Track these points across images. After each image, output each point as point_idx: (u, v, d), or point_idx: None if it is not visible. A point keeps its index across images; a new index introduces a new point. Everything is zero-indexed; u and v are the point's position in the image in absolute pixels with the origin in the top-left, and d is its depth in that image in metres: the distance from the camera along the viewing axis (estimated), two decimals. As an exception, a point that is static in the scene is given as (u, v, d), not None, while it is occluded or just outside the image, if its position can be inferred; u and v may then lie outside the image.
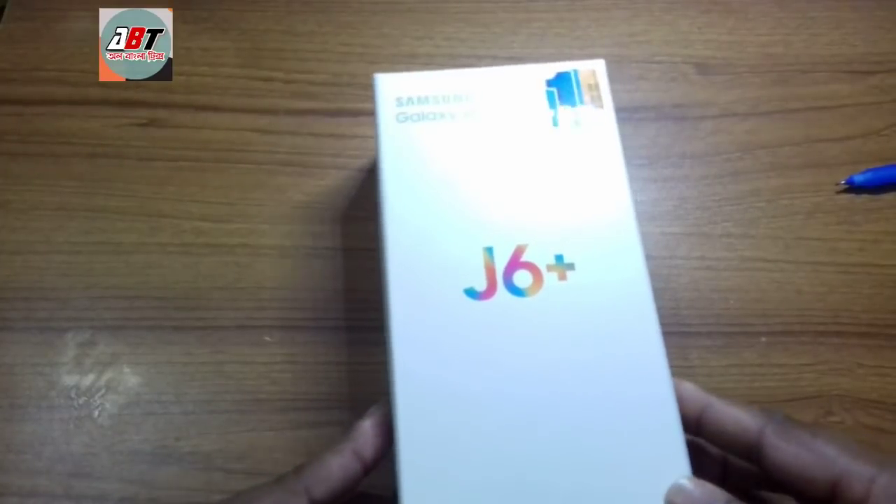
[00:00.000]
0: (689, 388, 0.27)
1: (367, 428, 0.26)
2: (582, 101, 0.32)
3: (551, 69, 0.32)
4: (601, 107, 0.32)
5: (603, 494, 0.25)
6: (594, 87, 0.32)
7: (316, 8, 0.46)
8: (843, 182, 0.40)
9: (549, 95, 0.32)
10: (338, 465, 0.26)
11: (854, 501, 0.23)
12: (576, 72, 0.32)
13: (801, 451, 0.24)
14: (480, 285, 0.28)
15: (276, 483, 0.26)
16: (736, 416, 0.26)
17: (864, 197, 0.40)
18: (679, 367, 0.36)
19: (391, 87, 0.32)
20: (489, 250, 0.28)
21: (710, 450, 0.28)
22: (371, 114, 0.42)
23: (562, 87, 0.32)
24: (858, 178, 0.40)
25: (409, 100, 0.32)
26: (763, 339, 0.37)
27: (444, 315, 0.27)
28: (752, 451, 0.25)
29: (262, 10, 0.46)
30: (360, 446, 0.26)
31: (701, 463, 0.26)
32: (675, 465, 0.25)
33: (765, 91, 0.43)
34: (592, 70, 0.32)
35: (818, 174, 0.41)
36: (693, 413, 0.26)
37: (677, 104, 0.43)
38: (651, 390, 0.26)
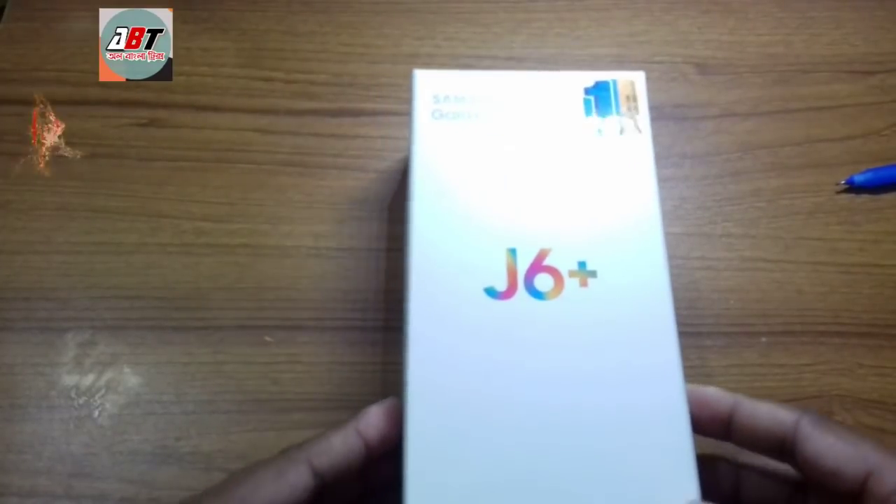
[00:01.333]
0: (714, 390, 0.27)
1: (373, 411, 0.27)
2: (619, 111, 0.32)
3: (591, 77, 0.33)
4: (637, 118, 0.32)
5: (609, 500, 0.24)
6: (632, 99, 0.32)
7: (316, 8, 0.46)
8: (843, 182, 0.40)
9: (587, 103, 0.32)
10: (340, 441, 0.26)
11: (885, 494, 0.23)
12: (614, 81, 0.32)
13: (837, 442, 0.24)
14: (501, 285, 0.28)
15: (280, 453, 0.26)
16: (770, 410, 0.26)
17: (865, 197, 0.40)
18: (680, 368, 0.36)
19: (429, 84, 0.32)
20: (512, 252, 0.28)
21: (721, 467, 0.28)
22: (373, 114, 0.42)
23: (599, 96, 0.32)
24: (859, 178, 0.40)
25: (446, 98, 0.32)
26: (763, 339, 0.37)
27: (462, 311, 0.27)
28: (785, 445, 0.25)
29: (262, 11, 0.46)
30: (363, 426, 0.26)
31: (713, 479, 0.26)
32: (684, 482, 0.25)
33: (765, 91, 0.43)
34: (631, 81, 0.33)
35: (818, 174, 0.41)
36: (723, 413, 0.26)
37: (677, 104, 0.43)
38: (664, 407, 0.26)
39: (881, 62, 0.44)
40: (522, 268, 0.28)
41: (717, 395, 0.27)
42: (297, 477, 0.25)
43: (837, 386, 0.36)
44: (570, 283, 0.28)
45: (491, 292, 0.28)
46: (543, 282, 0.28)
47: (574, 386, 0.26)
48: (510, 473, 0.25)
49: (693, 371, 0.36)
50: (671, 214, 0.40)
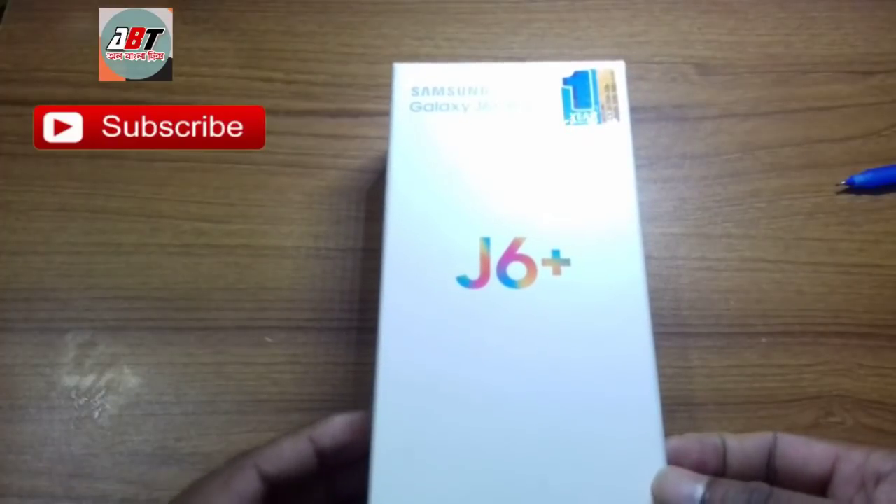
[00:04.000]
0: (697, 435, 0.27)
1: (333, 419, 0.27)
2: (597, 101, 0.32)
3: (570, 67, 0.32)
4: (616, 108, 0.31)
5: (579, 491, 0.25)
6: (611, 88, 0.32)
7: (316, 8, 0.46)
8: (843, 182, 0.40)
9: (565, 94, 0.32)
10: (290, 446, 0.26)
11: (852, 469, 0.25)
12: (594, 71, 0.32)
13: (808, 439, 0.26)
14: (473, 274, 0.28)
15: (228, 462, 0.26)
16: (754, 436, 0.27)
17: (865, 197, 0.40)
18: (679, 368, 0.36)
19: (408, 77, 0.32)
20: (486, 240, 0.29)
21: (709, 443, 0.28)
22: (372, 114, 0.42)
23: (578, 86, 0.32)
24: (859, 179, 0.40)
25: (425, 90, 0.32)
26: (763, 339, 0.37)
27: (433, 299, 0.27)
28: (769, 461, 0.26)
29: (262, 11, 0.45)
30: (318, 434, 0.26)
31: (702, 454, 0.26)
32: (653, 465, 0.25)
33: (765, 91, 0.43)
34: (611, 71, 0.32)
35: (818, 174, 0.41)
36: (718, 451, 0.27)
37: (677, 104, 0.43)
38: (635, 392, 0.26)
39: (881, 62, 0.44)
40: (495, 256, 0.28)
41: (703, 438, 0.27)
42: (245, 484, 0.25)
43: (837, 386, 0.36)
44: (543, 272, 0.28)
45: (463, 281, 0.28)
46: (516, 270, 0.28)
47: (545, 374, 0.26)
48: (479, 461, 0.25)
49: (693, 371, 0.36)
50: (671, 215, 0.40)
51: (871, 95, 0.43)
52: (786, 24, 0.45)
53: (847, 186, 0.40)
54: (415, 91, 0.32)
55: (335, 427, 0.26)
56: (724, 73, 0.44)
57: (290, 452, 0.26)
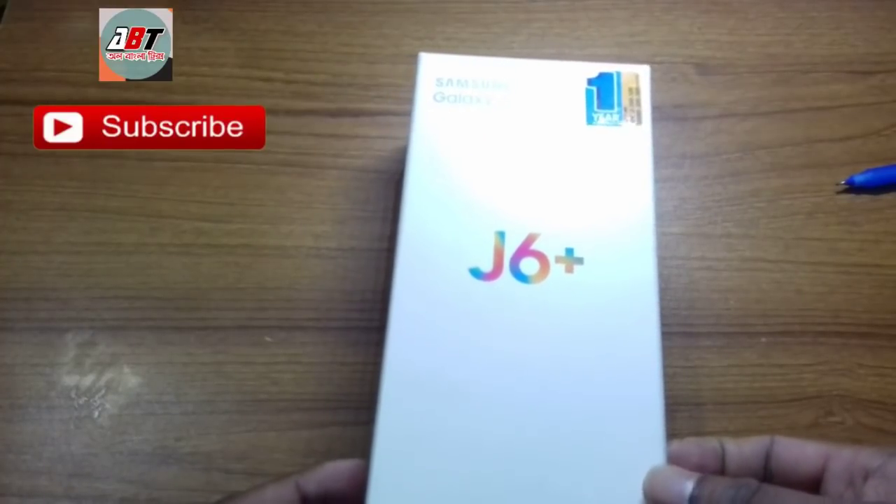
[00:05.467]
0: (697, 439, 0.27)
1: (324, 465, 0.26)
2: (620, 104, 0.32)
3: (595, 68, 0.33)
4: (638, 111, 0.32)
5: (579, 491, 0.25)
6: (634, 91, 0.32)
7: (316, 8, 0.46)
8: (843, 182, 0.40)
9: (588, 94, 0.32)
10: (273, 492, 0.26)
11: (841, 467, 0.25)
12: (618, 74, 0.33)
13: (802, 441, 0.27)
14: (486, 266, 0.28)
15: None
16: (749, 441, 0.27)
17: (865, 197, 0.40)
18: (680, 367, 0.36)
19: (433, 67, 0.32)
20: (501, 234, 0.29)
21: (708, 446, 0.29)
22: (372, 114, 0.42)
23: (602, 87, 0.32)
24: (859, 179, 0.40)
25: (450, 81, 0.32)
26: (763, 339, 0.37)
27: (445, 289, 0.28)
28: (765, 460, 0.27)
29: (262, 11, 0.46)
30: (304, 480, 0.26)
31: (701, 456, 0.26)
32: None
33: (765, 91, 0.43)
34: (636, 74, 0.33)
35: (818, 174, 0.41)
36: (718, 455, 0.27)
37: (677, 104, 0.43)
38: (640, 393, 0.26)
39: (881, 62, 0.44)
40: (509, 251, 0.28)
41: (702, 442, 0.27)
42: None
43: (837, 386, 0.36)
44: (556, 269, 0.28)
45: (476, 273, 0.28)
46: (529, 265, 0.28)
47: (550, 372, 0.26)
48: (480, 459, 0.25)
49: (693, 371, 0.36)
50: (671, 214, 0.40)
51: (871, 95, 0.43)
52: (786, 24, 0.45)
53: (847, 186, 0.40)
54: (439, 82, 0.32)
55: (323, 473, 0.26)
56: (724, 73, 0.44)
57: (273, 498, 0.25)
